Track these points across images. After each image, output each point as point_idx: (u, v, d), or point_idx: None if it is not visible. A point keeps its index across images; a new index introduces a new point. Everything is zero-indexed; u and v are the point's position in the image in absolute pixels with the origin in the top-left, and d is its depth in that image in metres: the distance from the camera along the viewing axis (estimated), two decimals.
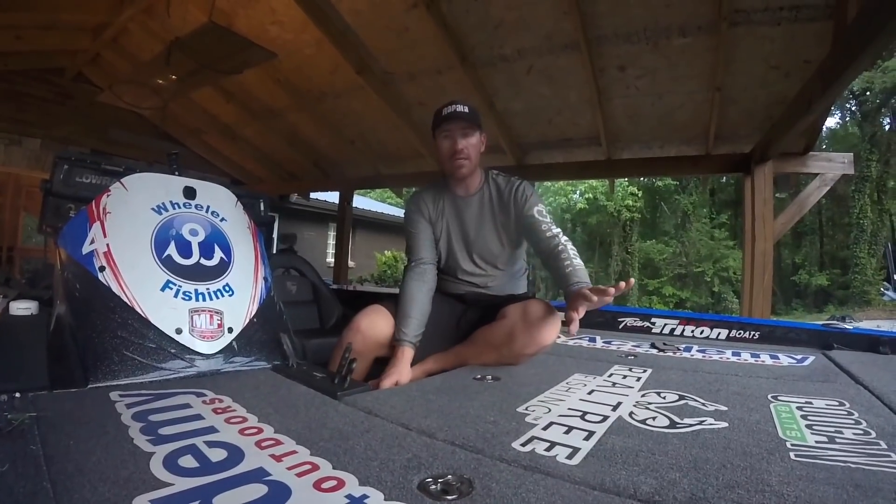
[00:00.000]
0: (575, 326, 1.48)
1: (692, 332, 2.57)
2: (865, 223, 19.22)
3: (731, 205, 22.67)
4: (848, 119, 22.57)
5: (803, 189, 4.18)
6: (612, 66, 3.82)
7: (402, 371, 1.67)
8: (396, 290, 1.95)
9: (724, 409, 1.21)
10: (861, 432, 1.04)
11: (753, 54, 3.37)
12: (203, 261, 1.63)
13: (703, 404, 1.25)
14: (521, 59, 4.00)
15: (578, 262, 1.69)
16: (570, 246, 1.75)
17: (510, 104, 4.56)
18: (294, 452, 0.87)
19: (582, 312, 1.47)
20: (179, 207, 1.71)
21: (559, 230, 1.82)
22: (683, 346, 2.25)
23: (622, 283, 1.42)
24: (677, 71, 3.71)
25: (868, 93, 20.29)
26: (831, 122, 22.05)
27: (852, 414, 1.17)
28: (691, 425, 1.08)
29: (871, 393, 1.39)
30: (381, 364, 1.87)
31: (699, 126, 4.15)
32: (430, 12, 3.67)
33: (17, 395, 1.10)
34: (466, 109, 1.88)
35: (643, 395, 1.34)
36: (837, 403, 1.27)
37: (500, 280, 2.05)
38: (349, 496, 0.72)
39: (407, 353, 1.74)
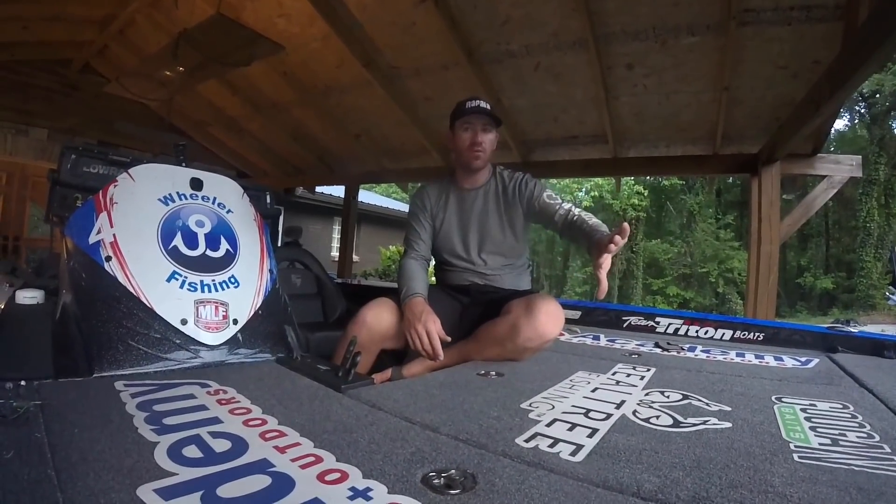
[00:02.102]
0: (603, 285, 1.48)
1: (696, 332, 2.57)
2: (872, 227, 19.12)
3: (737, 206, 22.57)
4: (857, 121, 22.42)
5: (810, 191, 4.17)
6: (620, 65, 3.81)
7: (429, 313, 1.75)
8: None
9: (728, 409, 1.21)
10: (865, 435, 1.03)
11: (762, 54, 3.35)
12: (209, 252, 1.63)
13: (707, 404, 1.25)
14: (528, 55, 3.99)
15: (596, 221, 1.75)
16: (584, 213, 1.83)
17: (516, 101, 4.55)
18: (298, 444, 0.87)
19: (605, 265, 1.47)
20: (186, 199, 1.71)
21: (568, 204, 1.91)
22: (687, 345, 2.24)
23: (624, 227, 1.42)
24: (685, 70, 3.69)
25: (878, 95, 20.15)
26: (840, 124, 21.89)
27: (856, 417, 1.17)
28: (695, 425, 1.07)
29: (875, 396, 1.38)
30: (387, 358, 1.88)
31: (706, 126, 4.13)
32: (437, 7, 3.66)
33: (23, 382, 1.10)
34: (489, 107, 1.97)
35: (647, 394, 1.34)
36: (841, 406, 1.26)
37: (503, 272, 2.08)
38: (353, 489, 0.72)
39: (421, 301, 1.82)
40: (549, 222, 1.94)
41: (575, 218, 1.82)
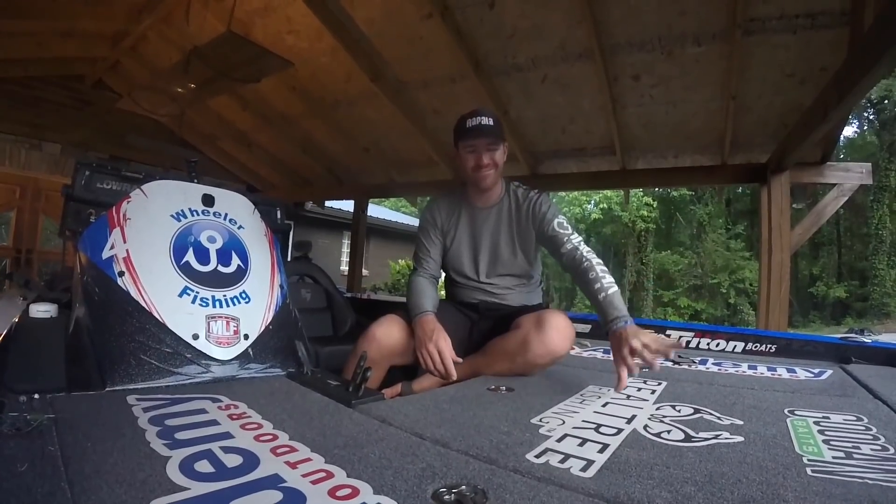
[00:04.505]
0: (623, 384, 1.46)
1: (707, 344, 2.55)
2: (884, 234, 18.97)
3: (747, 215, 22.48)
4: (866, 128, 22.34)
5: (821, 199, 4.15)
6: (626, 75, 3.82)
7: (440, 332, 1.73)
8: None
9: (740, 423, 1.20)
10: (879, 448, 1.02)
11: (768, 62, 3.35)
12: (220, 268, 1.64)
13: (719, 418, 1.24)
14: (535, 67, 4.01)
15: (608, 280, 1.66)
16: (594, 259, 1.74)
17: (524, 113, 4.56)
18: (309, 460, 0.87)
19: (625, 374, 1.47)
20: (198, 214, 1.73)
21: (579, 240, 1.82)
22: (699, 358, 2.22)
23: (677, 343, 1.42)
24: (692, 79, 3.70)
25: (886, 101, 20.09)
26: (849, 130, 21.83)
27: (870, 429, 1.15)
28: (706, 439, 1.07)
29: (889, 408, 1.36)
30: (397, 372, 1.88)
31: (714, 135, 4.13)
32: (444, 21, 3.69)
33: (36, 396, 1.12)
34: (491, 122, 1.87)
35: (658, 408, 1.33)
36: (855, 418, 1.25)
37: (514, 290, 2.05)
38: None
39: (432, 319, 1.79)
40: (554, 253, 1.88)
41: (583, 262, 1.74)
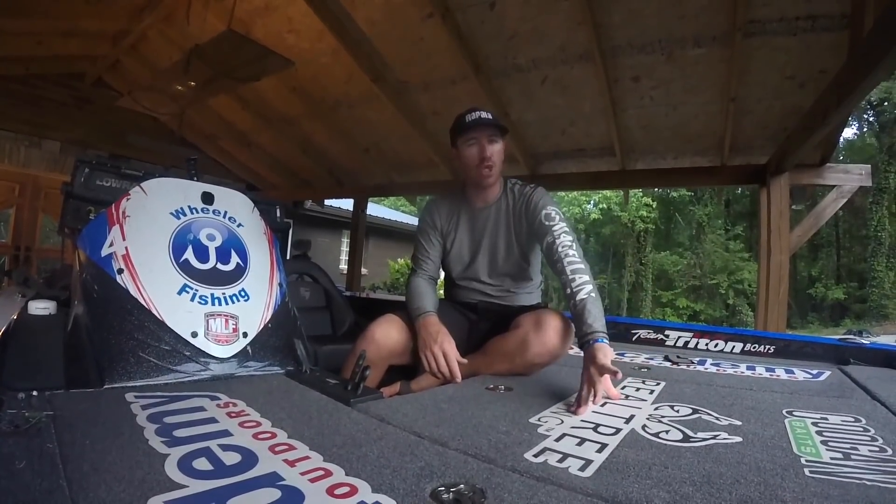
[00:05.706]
0: (583, 409, 1.29)
1: (706, 345, 2.55)
2: (883, 236, 19.00)
3: (746, 216, 22.53)
4: (865, 130, 22.40)
5: (820, 201, 4.15)
6: (627, 77, 3.82)
7: (444, 335, 1.73)
8: None
9: (739, 423, 1.20)
10: (877, 449, 1.02)
11: (768, 65, 3.35)
12: (220, 266, 1.64)
13: (717, 418, 1.24)
14: (536, 69, 4.01)
15: (577, 284, 1.59)
16: (567, 258, 1.67)
17: (524, 114, 4.56)
18: (307, 458, 0.87)
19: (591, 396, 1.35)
20: (197, 212, 1.73)
21: (560, 232, 1.75)
22: (697, 359, 2.22)
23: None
24: (692, 82, 3.70)
25: (886, 103, 20.14)
26: (848, 132, 21.93)
27: (868, 430, 1.16)
28: (705, 439, 1.07)
29: (887, 409, 1.36)
30: (395, 371, 1.88)
31: (714, 137, 4.12)
32: (444, 22, 3.69)
33: (35, 393, 1.12)
34: (490, 116, 1.87)
35: (656, 409, 1.33)
36: (853, 419, 1.25)
37: (513, 291, 2.04)
38: (362, 503, 0.72)
39: (435, 320, 1.79)
40: (541, 246, 1.85)
41: (555, 260, 1.70)
